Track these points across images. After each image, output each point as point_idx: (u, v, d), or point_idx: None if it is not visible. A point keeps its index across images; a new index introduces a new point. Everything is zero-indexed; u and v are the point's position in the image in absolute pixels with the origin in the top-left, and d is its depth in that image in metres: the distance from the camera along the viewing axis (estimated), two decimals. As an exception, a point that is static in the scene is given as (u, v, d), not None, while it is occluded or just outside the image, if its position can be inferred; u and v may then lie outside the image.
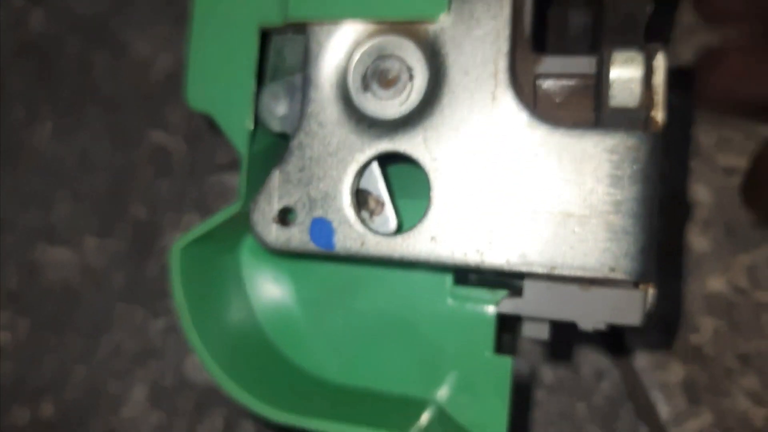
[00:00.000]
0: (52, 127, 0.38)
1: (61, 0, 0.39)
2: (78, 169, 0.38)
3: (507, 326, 0.25)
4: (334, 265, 0.25)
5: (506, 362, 0.23)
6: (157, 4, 0.38)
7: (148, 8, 0.38)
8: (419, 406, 0.23)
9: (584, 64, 0.22)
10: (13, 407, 0.37)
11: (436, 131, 0.21)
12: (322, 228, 0.22)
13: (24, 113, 0.38)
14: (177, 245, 0.23)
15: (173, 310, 0.36)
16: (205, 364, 0.23)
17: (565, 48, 0.25)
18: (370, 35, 0.22)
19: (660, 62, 0.20)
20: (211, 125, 0.37)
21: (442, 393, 0.24)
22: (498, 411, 0.23)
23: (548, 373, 0.33)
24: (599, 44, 0.21)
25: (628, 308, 0.21)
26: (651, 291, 0.21)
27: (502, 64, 0.20)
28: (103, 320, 0.37)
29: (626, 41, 0.20)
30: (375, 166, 0.22)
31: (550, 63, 0.22)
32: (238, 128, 0.23)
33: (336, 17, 0.22)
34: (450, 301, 0.24)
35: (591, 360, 0.33)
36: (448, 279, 0.24)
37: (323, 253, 0.22)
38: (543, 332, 0.24)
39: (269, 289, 0.26)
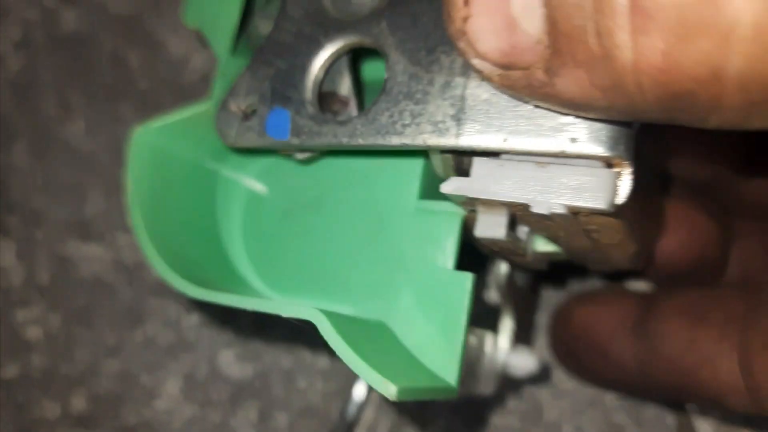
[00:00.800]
0: (86, 122, 0.38)
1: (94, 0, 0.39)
2: (111, 164, 0.38)
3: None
4: (303, 182, 0.26)
5: (466, 278, 0.22)
6: (191, 4, 0.39)
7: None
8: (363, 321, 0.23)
9: None
10: (43, 401, 0.37)
11: (395, 23, 0.21)
12: (279, 118, 0.23)
13: (57, 108, 0.39)
14: (138, 129, 0.24)
15: (206, 304, 0.37)
16: (144, 250, 0.23)
17: None
18: None
19: None
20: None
21: (395, 310, 0.23)
22: (453, 332, 0.22)
23: (576, 365, 0.35)
24: None
25: (594, 188, 0.18)
26: (625, 173, 0.18)
27: None
28: (135, 314, 0.37)
29: None
30: (343, 66, 0.23)
31: None
32: (221, 36, 0.25)
33: None
34: (415, 214, 0.23)
35: (617, 352, 0.35)
36: (414, 192, 0.24)
37: (279, 146, 0.23)
38: (499, 229, 0.21)
39: (239, 201, 0.27)
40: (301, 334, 0.36)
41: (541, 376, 0.33)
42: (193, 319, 0.37)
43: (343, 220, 0.25)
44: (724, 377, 0.23)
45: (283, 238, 0.26)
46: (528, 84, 0.16)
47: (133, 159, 0.24)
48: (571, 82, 0.15)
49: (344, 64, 0.23)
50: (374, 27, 0.21)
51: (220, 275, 0.26)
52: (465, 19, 0.16)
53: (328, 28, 0.22)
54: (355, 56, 0.24)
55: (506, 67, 0.17)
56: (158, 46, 0.39)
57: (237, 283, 0.26)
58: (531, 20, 0.15)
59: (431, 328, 0.22)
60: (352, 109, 0.23)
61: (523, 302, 0.30)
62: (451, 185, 0.20)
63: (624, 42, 0.13)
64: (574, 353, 0.29)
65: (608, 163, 0.18)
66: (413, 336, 0.22)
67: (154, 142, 0.24)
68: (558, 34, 0.15)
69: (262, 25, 0.25)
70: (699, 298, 0.25)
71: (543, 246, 0.24)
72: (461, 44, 0.17)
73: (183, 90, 0.38)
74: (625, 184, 0.18)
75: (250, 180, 0.27)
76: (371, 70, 0.27)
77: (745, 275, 0.27)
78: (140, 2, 0.39)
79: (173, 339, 0.37)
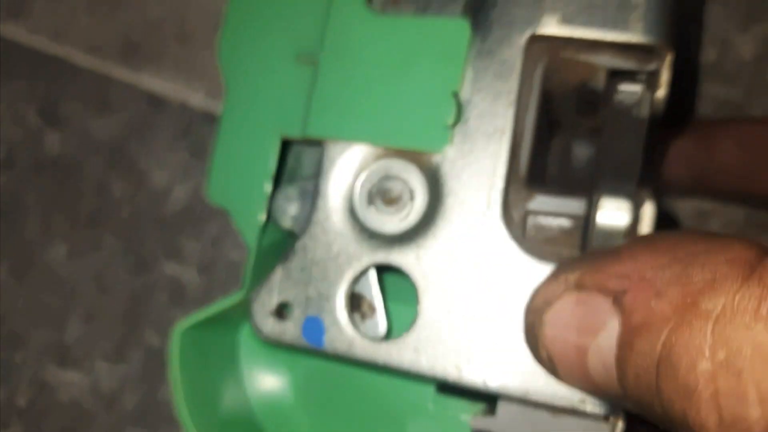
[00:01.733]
0: (68, 247, 0.39)
1: (78, 123, 0.40)
2: (92, 291, 0.39)
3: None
4: (327, 360, 0.27)
5: None
6: (177, 133, 0.39)
7: (165, 137, 0.39)
8: None
9: (574, 206, 0.23)
10: None
11: (428, 250, 0.22)
12: (314, 326, 0.24)
13: (39, 231, 0.39)
14: (179, 327, 0.25)
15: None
16: None
17: (565, 177, 0.27)
18: (378, 157, 0.23)
19: (647, 212, 0.21)
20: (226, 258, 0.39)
21: None
22: None
23: None
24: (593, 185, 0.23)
25: None
26: (619, 425, 0.22)
27: (496, 197, 0.22)
28: (112, 441, 0.38)
29: (618, 187, 0.21)
30: (371, 273, 0.24)
31: (542, 201, 0.24)
32: (250, 223, 0.25)
33: (348, 139, 0.24)
34: (431, 407, 0.26)
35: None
36: (430, 388, 0.26)
37: (313, 350, 0.24)
38: None
39: (263, 374, 0.28)
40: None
41: None
42: (169, 448, 0.38)
43: (365, 402, 0.27)
44: None
45: (312, 415, 0.27)
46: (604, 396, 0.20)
47: (174, 355, 0.25)
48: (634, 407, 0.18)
49: (372, 273, 0.24)
50: (407, 254, 0.23)
51: None
52: (553, 371, 0.20)
53: (362, 244, 0.23)
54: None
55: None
56: (141, 175, 0.39)
57: None
58: (611, 388, 0.18)
59: None
60: (380, 317, 0.25)
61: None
62: (480, 423, 0.24)
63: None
64: None
65: (605, 417, 0.22)
66: None
67: (193, 335, 0.25)
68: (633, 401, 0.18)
69: (287, 206, 0.26)
70: None
71: None
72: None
73: (165, 221, 0.39)
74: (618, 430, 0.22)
75: (277, 355, 0.28)
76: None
77: None
78: (124, 130, 0.40)
79: (149, 467, 0.38)
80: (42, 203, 0.40)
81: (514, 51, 0.22)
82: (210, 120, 0.39)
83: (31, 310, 0.39)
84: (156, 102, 0.40)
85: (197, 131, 0.40)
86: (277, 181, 0.26)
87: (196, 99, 0.39)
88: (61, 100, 0.40)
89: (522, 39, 0.22)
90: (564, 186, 0.25)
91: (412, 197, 0.23)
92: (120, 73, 0.40)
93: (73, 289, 0.39)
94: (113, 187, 0.39)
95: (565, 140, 0.27)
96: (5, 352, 0.39)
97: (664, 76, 0.21)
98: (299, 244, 0.24)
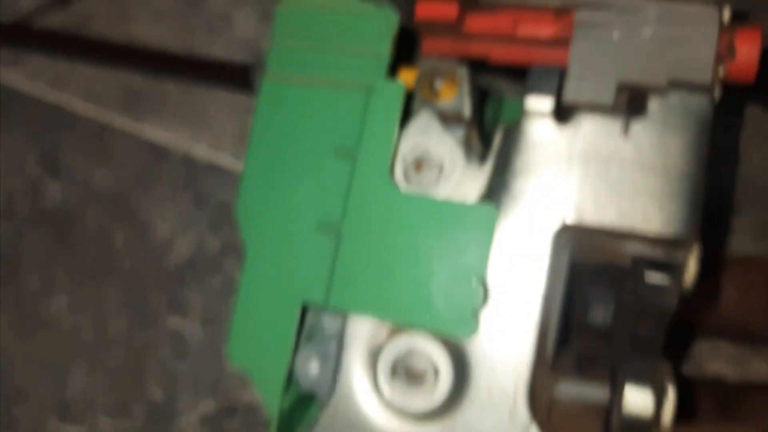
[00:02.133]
0: (69, 298, 0.39)
1: (79, 173, 0.39)
2: (94, 343, 0.39)
3: None
4: None
5: None
6: (177, 183, 0.39)
7: (167, 188, 0.39)
8: None
9: (598, 393, 0.23)
10: None
11: (454, 430, 0.22)
12: None
13: (39, 283, 0.39)
14: None
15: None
16: None
17: (585, 330, 0.26)
18: (402, 330, 0.23)
19: (670, 397, 0.21)
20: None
21: None
22: None
23: None
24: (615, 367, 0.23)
25: None
26: None
27: (522, 388, 0.22)
28: (114, 493, 0.38)
29: (641, 374, 0.21)
30: None
31: (566, 387, 0.24)
32: (271, 389, 0.25)
33: (371, 315, 0.23)
34: None
35: None
36: None
37: None
38: None
39: None
40: None
41: None
42: (172, 501, 0.38)
43: None
44: None
45: None
46: None
47: None
48: None
49: None
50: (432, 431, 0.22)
51: None
52: None
53: (386, 420, 0.23)
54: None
55: None
56: (143, 226, 0.39)
57: None
58: None
59: None
60: None
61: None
62: None
63: None
64: None
65: None
66: None
67: None
68: None
69: (307, 366, 0.25)
70: None
71: None
72: None
73: (167, 273, 0.39)
74: None
75: None
76: None
77: None
78: (125, 179, 0.39)
79: None
80: (42, 254, 0.39)
81: (543, 238, 0.21)
82: (213, 170, 0.39)
83: (32, 363, 0.39)
84: (158, 152, 0.39)
85: (200, 182, 0.39)
86: (297, 337, 0.25)
87: (199, 149, 0.39)
88: (61, 148, 0.39)
89: (551, 227, 0.21)
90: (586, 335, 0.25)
91: (437, 376, 0.23)
92: (121, 122, 0.39)
93: (74, 341, 0.39)
94: (115, 238, 0.39)
95: (584, 288, 0.26)
96: (5, 405, 0.38)
97: (691, 266, 0.21)
98: (324, 416, 0.24)
